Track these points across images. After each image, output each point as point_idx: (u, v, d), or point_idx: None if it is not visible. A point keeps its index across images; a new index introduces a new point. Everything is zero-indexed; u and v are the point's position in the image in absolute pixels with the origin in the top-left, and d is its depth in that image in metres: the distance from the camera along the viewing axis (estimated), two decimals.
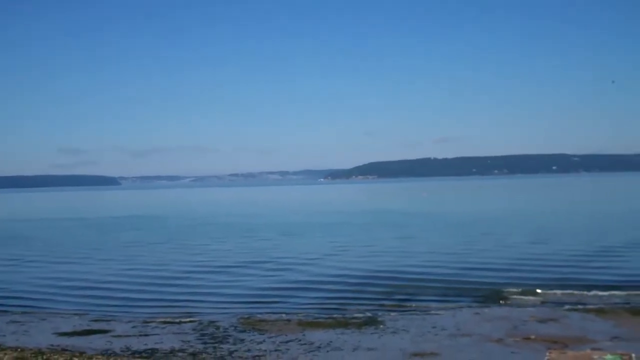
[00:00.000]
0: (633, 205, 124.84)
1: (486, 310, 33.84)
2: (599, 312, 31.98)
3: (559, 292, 38.65)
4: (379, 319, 31.94)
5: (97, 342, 28.32)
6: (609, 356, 20.07)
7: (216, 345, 27.27)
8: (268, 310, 35.39)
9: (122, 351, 26.60)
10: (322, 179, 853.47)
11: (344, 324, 30.96)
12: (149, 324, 32.23)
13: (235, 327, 30.81)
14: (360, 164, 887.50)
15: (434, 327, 29.64)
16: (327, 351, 26.00)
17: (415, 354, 25.12)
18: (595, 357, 20.31)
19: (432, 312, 33.82)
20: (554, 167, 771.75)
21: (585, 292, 38.25)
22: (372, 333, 28.89)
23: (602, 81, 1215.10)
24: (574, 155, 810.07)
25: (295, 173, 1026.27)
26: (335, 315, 33.31)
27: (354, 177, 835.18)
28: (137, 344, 27.72)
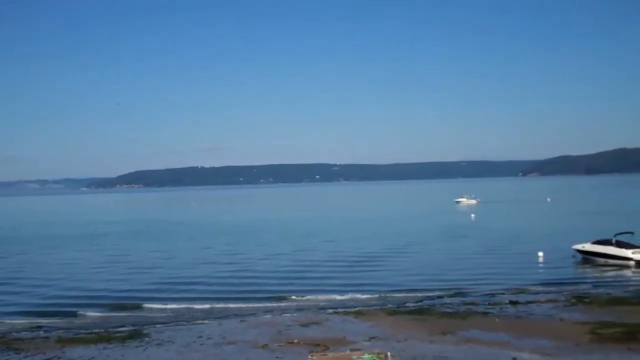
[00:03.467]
0: (387, 213, 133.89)
1: (251, 317, 34.36)
2: (358, 314, 33.75)
3: (320, 296, 40.36)
4: (144, 331, 31.19)
5: None
6: (366, 356, 21.18)
7: None
8: (24, 328, 33.38)
9: None
10: (84, 188, 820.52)
11: (107, 338, 29.85)
12: None
13: None
14: (125, 173, 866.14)
15: (199, 337, 29.54)
16: None
17: None
18: (354, 357, 21.35)
19: (198, 321, 33.74)
20: (317, 176, 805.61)
21: (344, 295, 40.25)
22: (136, 346, 28.15)
23: (356, 94, 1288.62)
24: (335, 165, 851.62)
25: (55, 182, 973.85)
26: (96, 330, 32.05)
27: (118, 185, 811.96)
28: None
